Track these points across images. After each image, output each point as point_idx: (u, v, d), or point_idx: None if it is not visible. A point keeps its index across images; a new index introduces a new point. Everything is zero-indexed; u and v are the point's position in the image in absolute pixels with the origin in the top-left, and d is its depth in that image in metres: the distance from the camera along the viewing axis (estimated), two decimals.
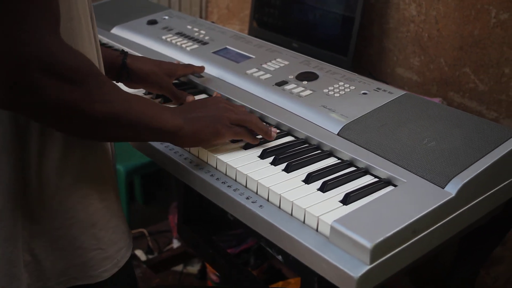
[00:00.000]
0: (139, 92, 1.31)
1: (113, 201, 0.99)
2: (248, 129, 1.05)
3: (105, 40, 1.63)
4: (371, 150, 1.05)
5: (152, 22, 1.70)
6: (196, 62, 1.42)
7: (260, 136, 1.09)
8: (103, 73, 0.98)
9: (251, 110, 1.22)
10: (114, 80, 1.21)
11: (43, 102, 0.75)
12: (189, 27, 1.65)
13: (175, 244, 2.38)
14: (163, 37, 1.58)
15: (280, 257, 1.07)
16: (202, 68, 1.36)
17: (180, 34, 1.60)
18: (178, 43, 1.53)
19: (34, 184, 0.88)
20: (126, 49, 1.52)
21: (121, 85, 1.21)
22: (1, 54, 0.71)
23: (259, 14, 1.99)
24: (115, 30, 1.68)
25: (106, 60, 1.15)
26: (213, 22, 1.72)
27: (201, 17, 2.57)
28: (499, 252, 1.57)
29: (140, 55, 1.46)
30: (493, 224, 1.16)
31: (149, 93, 1.32)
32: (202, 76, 1.38)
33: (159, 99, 1.28)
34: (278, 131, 1.14)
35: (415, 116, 1.15)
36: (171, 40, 1.56)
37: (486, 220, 1.09)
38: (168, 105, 1.19)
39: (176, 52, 1.50)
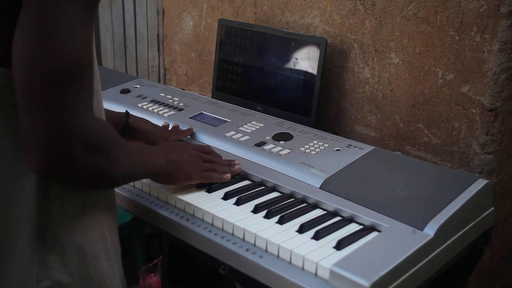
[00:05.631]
0: None
1: (114, 261, 1.05)
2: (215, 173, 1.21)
3: None
4: (352, 201, 1.16)
5: (125, 91, 1.79)
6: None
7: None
8: None
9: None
10: None
11: (77, 171, 0.87)
12: (162, 94, 1.74)
13: None
14: (139, 105, 1.67)
15: None
16: (190, 130, 1.50)
17: (155, 101, 1.69)
18: (155, 110, 1.63)
19: (53, 247, 0.94)
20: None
21: None
22: (49, 132, 0.81)
23: (221, 80, 2.11)
24: None
25: (111, 120, 1.33)
26: (183, 89, 1.82)
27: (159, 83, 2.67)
28: None
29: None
30: (459, 265, 1.28)
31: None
32: (183, 140, 1.47)
33: None
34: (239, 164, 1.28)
35: (385, 168, 1.28)
36: (147, 107, 1.65)
37: (456, 260, 1.21)
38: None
39: (154, 119, 1.58)
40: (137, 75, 2.81)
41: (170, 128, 1.51)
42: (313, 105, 1.83)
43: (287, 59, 1.90)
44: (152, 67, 2.70)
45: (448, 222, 1.08)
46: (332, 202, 1.16)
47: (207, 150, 1.25)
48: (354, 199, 1.16)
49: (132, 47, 2.79)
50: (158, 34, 2.62)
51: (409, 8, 1.65)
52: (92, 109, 0.87)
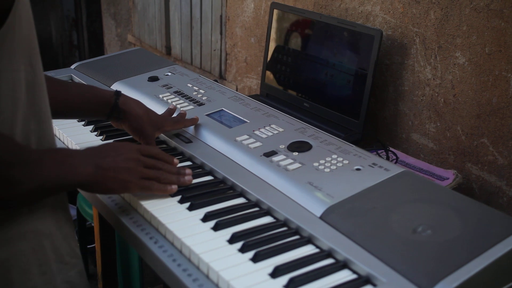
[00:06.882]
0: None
1: (55, 273, 0.92)
2: (157, 183, 1.03)
3: None
4: (353, 240, 0.92)
5: (153, 79, 1.63)
6: None
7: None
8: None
9: (233, 184, 1.12)
10: (104, 118, 1.24)
11: None
12: (189, 85, 1.57)
13: None
14: (160, 96, 1.51)
15: None
16: (194, 120, 1.32)
17: (178, 93, 1.52)
18: (174, 103, 1.46)
19: None
20: None
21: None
22: None
23: (271, 71, 1.91)
24: (115, 86, 1.62)
25: (99, 99, 1.20)
26: (215, 80, 1.64)
27: (220, 69, 2.51)
28: None
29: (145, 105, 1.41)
30: None
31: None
32: (190, 141, 1.29)
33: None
34: (190, 174, 1.10)
35: (411, 198, 1.02)
36: (167, 99, 1.48)
37: None
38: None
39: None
40: (200, 58, 2.66)
41: (176, 114, 1.34)
42: (362, 106, 1.58)
43: (339, 52, 1.65)
44: (214, 50, 2.53)
45: (468, 285, 0.82)
46: (329, 238, 0.93)
47: (152, 153, 1.05)
48: (356, 238, 0.92)
49: (198, 28, 2.64)
50: (221, 16, 2.44)
51: None
52: None
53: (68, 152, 0.92)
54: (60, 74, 1.78)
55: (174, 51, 2.90)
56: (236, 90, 2.41)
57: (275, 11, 1.85)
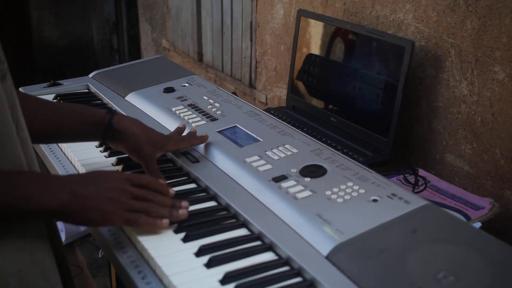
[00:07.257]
0: None
1: None
2: (145, 216, 0.92)
3: (115, 108, 1.49)
4: (361, 287, 0.81)
5: (169, 90, 1.55)
6: None
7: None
8: None
9: (236, 212, 1.02)
10: (99, 140, 1.17)
11: None
12: (205, 98, 1.48)
13: None
14: (173, 109, 1.42)
15: None
16: (203, 138, 1.22)
17: (192, 106, 1.43)
18: (186, 117, 1.36)
19: None
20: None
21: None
22: None
23: (297, 82, 1.80)
24: (130, 97, 1.55)
25: (92, 119, 1.11)
26: (234, 93, 1.54)
27: (250, 78, 2.41)
28: None
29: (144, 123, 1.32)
30: None
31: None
32: (197, 161, 1.20)
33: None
34: (186, 208, 0.98)
35: (432, 238, 0.90)
36: (179, 113, 1.39)
37: None
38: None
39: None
40: (231, 66, 2.57)
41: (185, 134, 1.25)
42: (392, 123, 1.45)
43: (368, 63, 1.53)
44: (244, 58, 2.43)
45: None
46: (333, 284, 0.82)
47: (143, 182, 0.95)
48: (365, 285, 0.81)
49: (228, 34, 2.55)
50: (251, 22, 2.34)
51: None
52: None
53: (41, 176, 0.83)
54: (77, 83, 1.72)
55: (206, 58, 2.82)
56: (266, 100, 2.31)
57: (302, 19, 1.74)
